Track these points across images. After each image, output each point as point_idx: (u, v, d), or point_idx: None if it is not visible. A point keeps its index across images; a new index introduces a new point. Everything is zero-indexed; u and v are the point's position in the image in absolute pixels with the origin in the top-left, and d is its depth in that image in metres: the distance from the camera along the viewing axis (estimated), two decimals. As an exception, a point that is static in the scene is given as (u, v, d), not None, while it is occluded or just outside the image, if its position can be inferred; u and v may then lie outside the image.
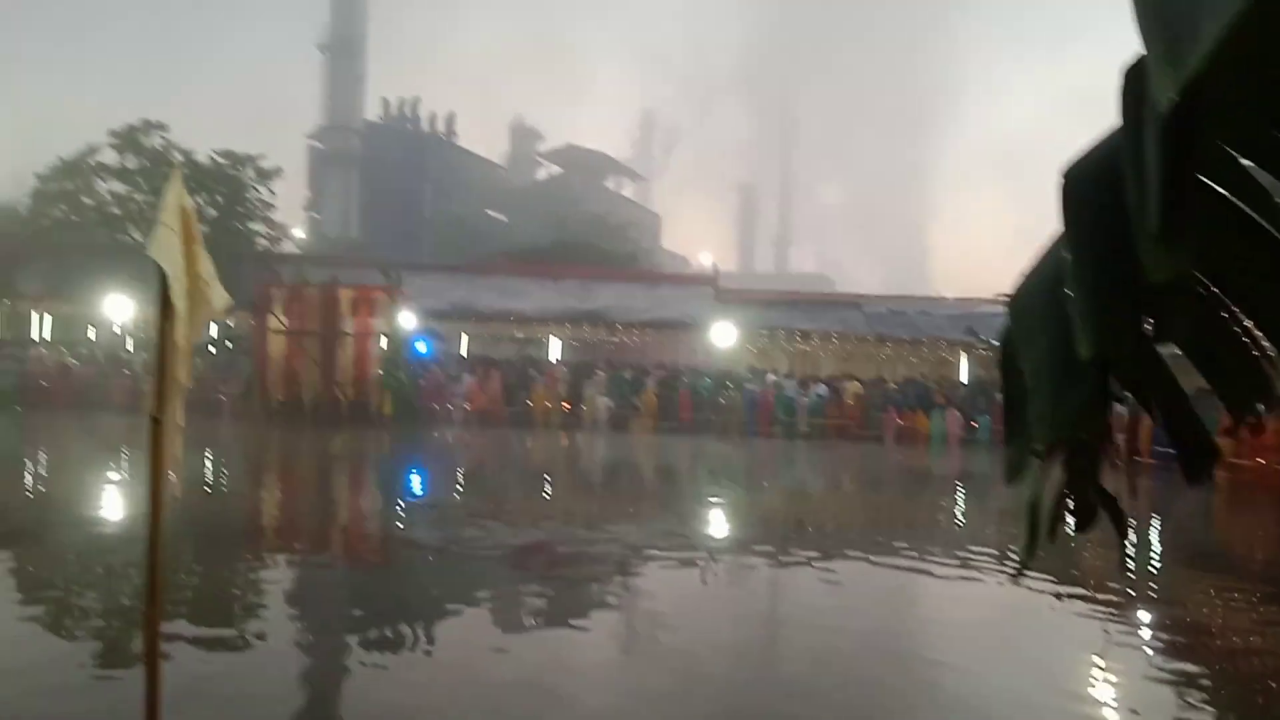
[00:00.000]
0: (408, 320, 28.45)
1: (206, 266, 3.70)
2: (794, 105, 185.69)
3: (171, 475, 3.80)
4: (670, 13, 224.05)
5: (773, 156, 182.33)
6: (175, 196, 3.53)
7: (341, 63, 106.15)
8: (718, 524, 13.95)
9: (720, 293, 37.98)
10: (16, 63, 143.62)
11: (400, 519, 13.87)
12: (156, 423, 3.75)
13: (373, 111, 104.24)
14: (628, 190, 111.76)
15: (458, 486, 17.83)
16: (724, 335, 32.63)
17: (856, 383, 30.59)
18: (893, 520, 15.40)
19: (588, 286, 36.41)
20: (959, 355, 33.89)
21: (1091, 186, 1.36)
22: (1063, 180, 1.41)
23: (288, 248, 47.92)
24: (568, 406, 28.87)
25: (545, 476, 19.75)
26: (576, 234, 60.90)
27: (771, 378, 30.71)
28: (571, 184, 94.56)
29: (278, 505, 15.05)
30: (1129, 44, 1.20)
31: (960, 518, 16.22)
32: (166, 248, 3.46)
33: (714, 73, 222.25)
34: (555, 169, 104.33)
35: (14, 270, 34.23)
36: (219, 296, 3.86)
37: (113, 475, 17.22)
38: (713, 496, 16.85)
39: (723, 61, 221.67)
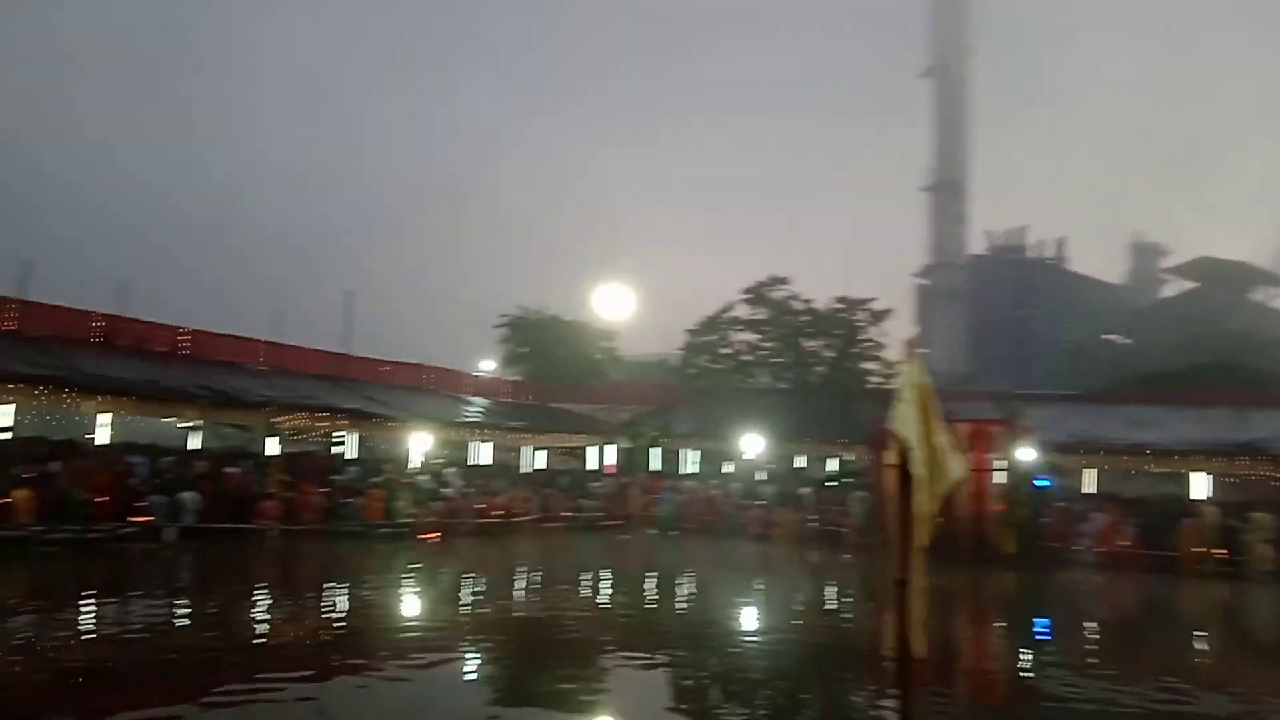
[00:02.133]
0: (1026, 454, 27.03)
1: (944, 438, 3.80)
2: None
3: (917, 636, 3.86)
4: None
5: None
6: (913, 372, 3.74)
7: (945, 202, 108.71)
8: None
9: None
10: (672, 240, 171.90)
11: (1026, 665, 12.83)
12: (901, 584, 3.89)
13: (977, 245, 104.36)
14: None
15: (1092, 636, 16.07)
16: None
17: None
18: None
19: (1242, 414, 31.43)
20: None
21: None
22: None
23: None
24: (1222, 553, 24.73)
25: (1198, 633, 16.95)
26: (1218, 354, 53.40)
27: None
28: (1207, 299, 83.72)
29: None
30: None
31: None
32: (906, 420, 3.65)
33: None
34: (1187, 284, 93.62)
35: (670, 414, 39.98)
36: (956, 465, 3.91)
37: (751, 598, 18.69)
38: None
39: None
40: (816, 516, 29.88)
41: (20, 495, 18.81)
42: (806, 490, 31.95)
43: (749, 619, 16.09)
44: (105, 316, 28.54)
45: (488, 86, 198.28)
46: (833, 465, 37.62)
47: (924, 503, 3.64)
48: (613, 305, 42.96)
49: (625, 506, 32.95)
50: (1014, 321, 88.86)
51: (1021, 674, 12.31)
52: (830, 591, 21.35)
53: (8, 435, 23.34)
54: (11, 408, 23.89)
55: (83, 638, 11.80)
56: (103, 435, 26.35)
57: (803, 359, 46.62)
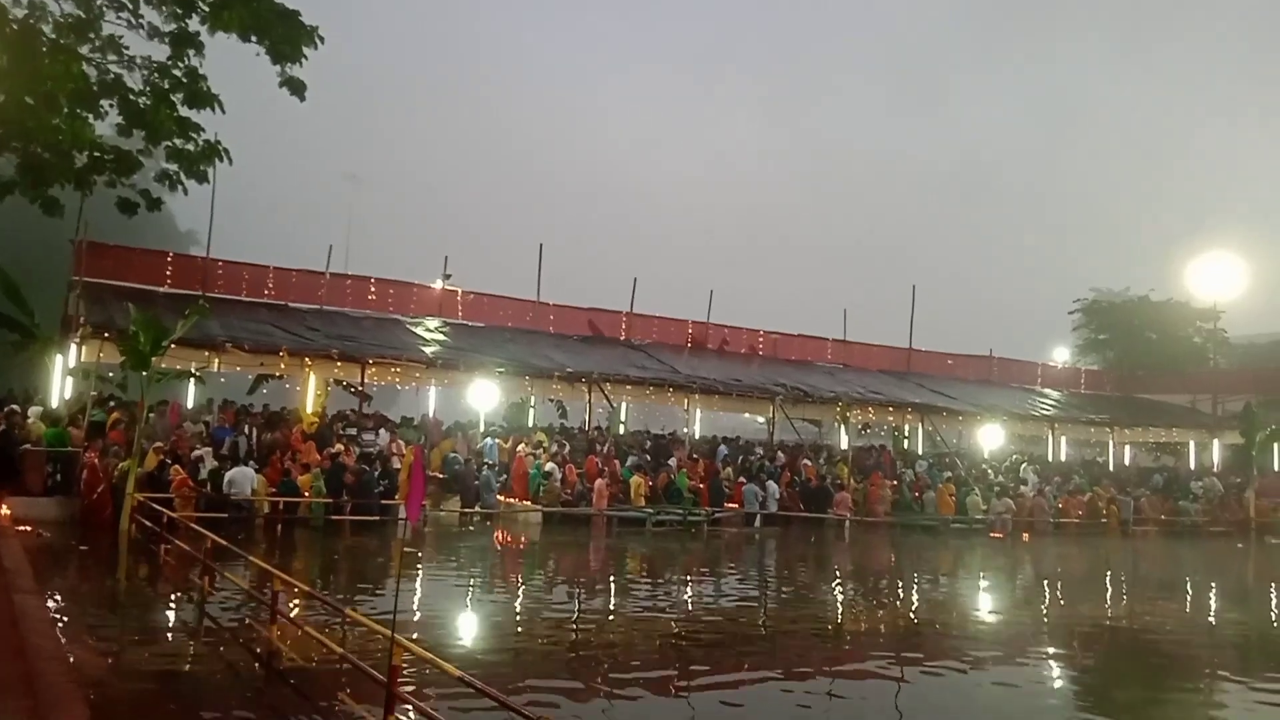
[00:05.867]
0: None
1: None
2: None
3: None
4: None
5: None
6: None
7: None
8: None
9: None
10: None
11: None
12: None
13: None
14: None
15: None
16: None
17: None
18: None
19: None
20: None
21: None
22: None
23: None
24: None
25: None
26: None
27: None
28: None
29: None
30: None
31: None
32: None
33: None
34: None
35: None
36: None
37: None
38: None
39: None
40: None
41: (635, 481, 21.81)
42: None
43: None
44: (695, 324, 31.98)
45: (1042, 48, 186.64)
46: None
47: None
48: (1215, 280, 37.28)
49: (1236, 511, 28.59)
50: None
51: None
52: None
53: (622, 428, 27.31)
54: (624, 404, 27.91)
55: (685, 608, 13.27)
56: (695, 429, 29.61)
57: None
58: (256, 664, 8.01)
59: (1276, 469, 33.07)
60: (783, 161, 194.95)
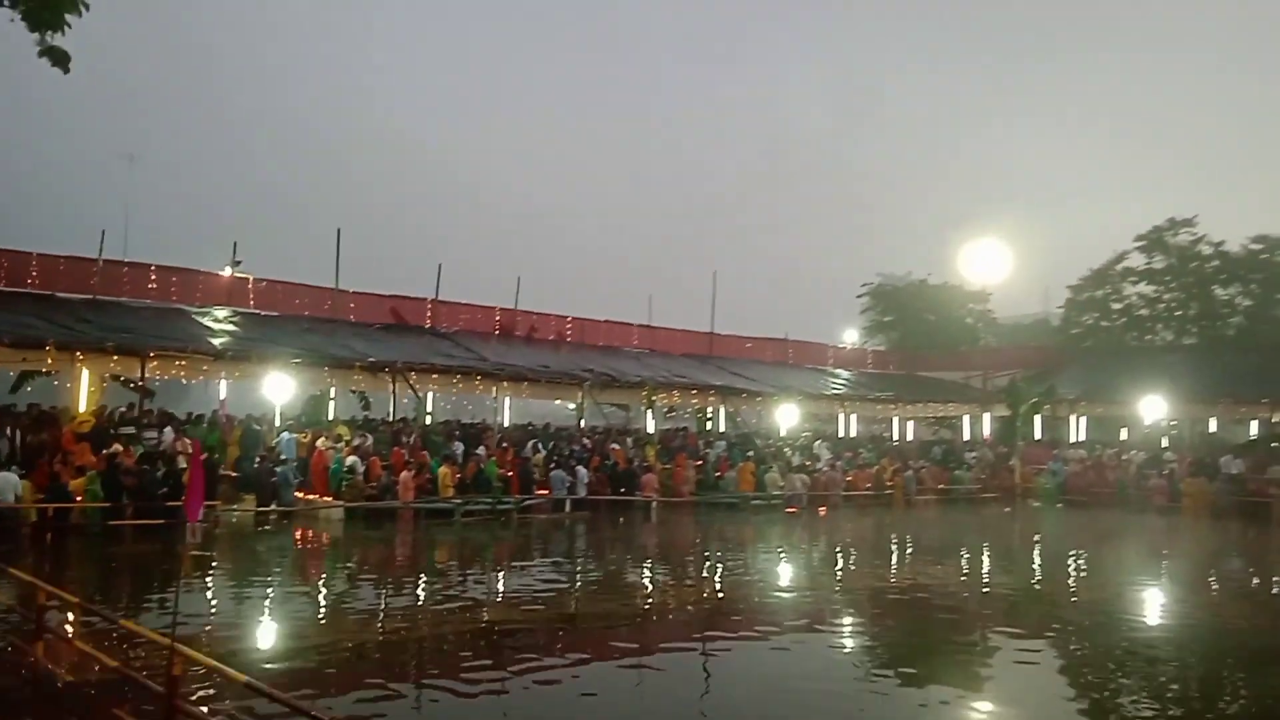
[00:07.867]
0: None
1: None
2: None
3: None
4: None
5: None
6: None
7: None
8: None
9: None
10: (1051, 191, 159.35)
11: None
12: None
13: None
14: None
15: None
16: None
17: None
18: None
19: None
20: None
21: None
22: None
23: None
24: None
25: None
26: None
27: None
28: None
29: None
30: None
31: None
32: None
33: None
34: None
35: (1052, 378, 36.97)
36: None
37: (1157, 578, 16.86)
38: None
39: None
40: (1235, 486, 26.28)
41: (444, 472, 21.42)
42: (1224, 457, 28.14)
43: (1155, 601, 14.51)
44: (502, 310, 31.70)
45: (839, 44, 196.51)
46: (1253, 429, 32.98)
47: None
48: (984, 265, 40.31)
49: (1005, 478, 31.13)
50: None
51: None
52: (1258, 572, 18.71)
53: (429, 418, 26.79)
54: (430, 394, 27.37)
55: (496, 598, 13.21)
56: (505, 417, 29.40)
57: (1213, 310, 41.20)
58: (22, 686, 7.35)
59: (1038, 438, 36.23)
60: (589, 150, 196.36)
